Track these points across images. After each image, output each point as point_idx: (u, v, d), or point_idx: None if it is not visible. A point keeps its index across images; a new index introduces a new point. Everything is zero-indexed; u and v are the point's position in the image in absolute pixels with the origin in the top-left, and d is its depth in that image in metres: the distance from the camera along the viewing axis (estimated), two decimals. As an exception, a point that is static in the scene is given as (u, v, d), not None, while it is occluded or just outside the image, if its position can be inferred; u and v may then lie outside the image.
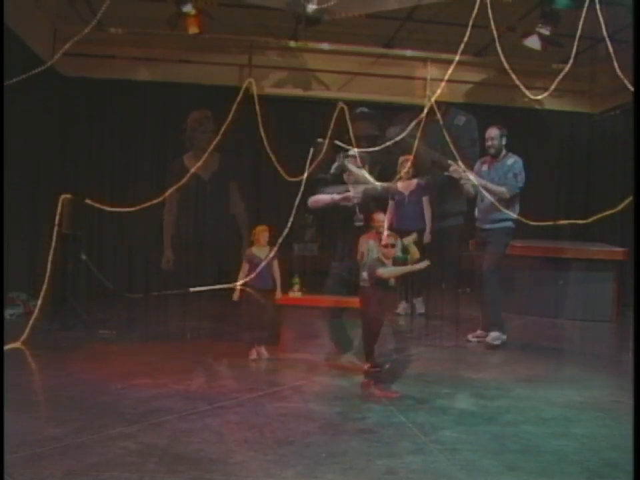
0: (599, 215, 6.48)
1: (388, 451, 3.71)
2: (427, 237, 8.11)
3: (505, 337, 6.82)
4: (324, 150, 6.54)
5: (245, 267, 5.92)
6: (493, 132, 7.05)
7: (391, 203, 8.16)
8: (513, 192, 6.82)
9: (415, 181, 8.23)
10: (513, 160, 6.97)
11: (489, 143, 7.08)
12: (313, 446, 3.73)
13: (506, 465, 3.56)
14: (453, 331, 7.26)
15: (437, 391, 5.04)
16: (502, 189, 6.80)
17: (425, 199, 8.26)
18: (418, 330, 7.88)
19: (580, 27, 5.76)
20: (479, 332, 7.09)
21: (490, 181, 6.93)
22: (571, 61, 5.84)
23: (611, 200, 6.81)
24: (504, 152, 7.05)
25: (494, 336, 6.77)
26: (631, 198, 5.23)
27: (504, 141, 7.05)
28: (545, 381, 5.51)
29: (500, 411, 4.59)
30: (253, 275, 5.89)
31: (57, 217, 6.54)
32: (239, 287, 5.84)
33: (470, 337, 7.07)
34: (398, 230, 5.95)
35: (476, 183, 6.83)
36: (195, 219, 9.22)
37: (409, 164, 7.71)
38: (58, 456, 3.45)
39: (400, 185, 8.16)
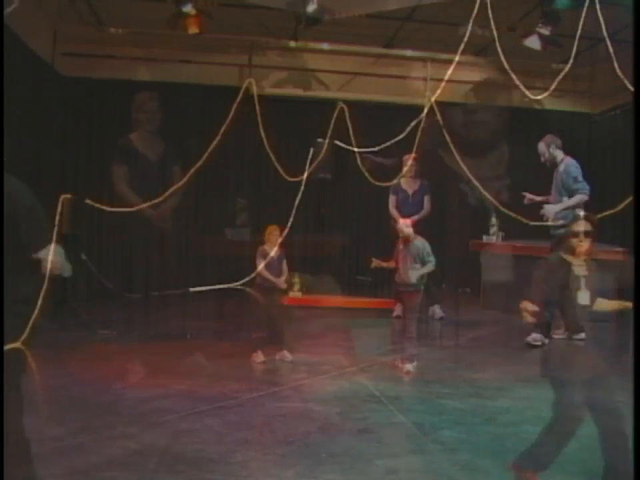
0: (599, 215, 6.47)
1: (388, 451, 3.72)
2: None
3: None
4: (324, 150, 6.55)
5: (260, 261, 5.94)
6: (540, 147, 7.10)
7: (393, 197, 8.23)
8: (587, 190, 6.80)
9: (418, 180, 8.26)
10: (563, 166, 6.97)
11: (542, 159, 7.13)
12: (312, 446, 3.74)
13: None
14: (453, 331, 7.26)
15: (437, 391, 5.04)
16: (580, 197, 6.79)
17: (427, 198, 8.29)
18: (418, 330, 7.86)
19: (580, 27, 5.76)
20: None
21: (554, 187, 6.99)
22: (571, 60, 5.86)
23: (611, 200, 6.82)
24: (560, 157, 7.04)
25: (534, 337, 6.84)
26: (630, 198, 5.24)
27: (554, 151, 7.04)
28: (545, 381, 5.50)
29: (500, 411, 4.59)
30: (253, 274, 5.90)
31: (57, 217, 6.53)
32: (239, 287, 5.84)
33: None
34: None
35: (553, 212, 6.86)
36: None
37: (412, 162, 7.80)
38: (58, 456, 3.45)
39: (403, 183, 8.21)
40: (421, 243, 5.70)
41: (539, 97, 6.64)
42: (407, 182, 8.20)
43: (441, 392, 5.00)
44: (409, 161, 8.04)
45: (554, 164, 7.06)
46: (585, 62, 8.61)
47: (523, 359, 6.43)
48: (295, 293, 8.65)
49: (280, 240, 6.00)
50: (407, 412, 4.43)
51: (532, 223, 7.08)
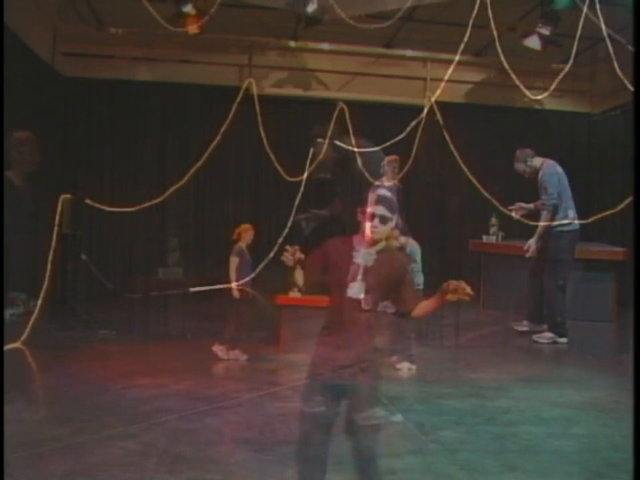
0: (599, 215, 6.48)
1: (388, 451, 3.71)
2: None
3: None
4: (324, 150, 6.55)
5: (235, 260, 5.91)
6: (518, 167, 7.23)
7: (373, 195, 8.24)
8: (550, 205, 6.90)
9: (397, 183, 8.29)
10: (542, 172, 7.08)
11: (525, 177, 7.26)
12: (313, 446, 3.73)
13: (506, 465, 3.56)
14: (452, 331, 7.25)
15: (437, 390, 5.04)
16: (544, 215, 6.93)
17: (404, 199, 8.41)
18: (418, 330, 7.86)
19: (580, 27, 5.76)
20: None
21: (539, 192, 7.08)
22: (571, 61, 5.86)
23: (610, 200, 6.82)
24: (539, 164, 7.14)
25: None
26: (630, 198, 5.24)
27: (532, 162, 7.14)
28: (545, 381, 5.51)
29: (500, 411, 4.59)
30: (253, 275, 5.90)
31: (57, 217, 6.54)
32: (235, 287, 5.83)
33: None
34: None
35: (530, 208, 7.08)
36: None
37: (396, 164, 7.88)
38: (58, 456, 3.44)
39: (385, 182, 8.25)
40: (411, 246, 5.69)
41: (538, 97, 6.65)
42: (388, 183, 8.25)
43: (441, 392, 5.00)
44: (391, 161, 8.12)
45: (535, 174, 7.18)
46: (585, 62, 8.61)
47: (523, 359, 6.44)
48: (295, 293, 8.62)
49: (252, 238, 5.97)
50: (406, 412, 4.43)
51: (532, 223, 7.08)
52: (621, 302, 8.42)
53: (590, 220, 6.71)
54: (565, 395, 5.02)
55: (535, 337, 7.08)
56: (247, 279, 5.91)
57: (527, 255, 7.04)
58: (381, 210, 2.91)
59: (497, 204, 6.86)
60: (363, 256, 2.86)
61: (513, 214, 7.19)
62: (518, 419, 4.39)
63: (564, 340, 7.02)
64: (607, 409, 4.69)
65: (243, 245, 5.95)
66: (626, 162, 7.57)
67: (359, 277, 2.81)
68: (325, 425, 2.84)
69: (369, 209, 2.90)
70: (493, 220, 8.76)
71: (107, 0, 8.74)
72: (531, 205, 7.25)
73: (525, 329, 7.42)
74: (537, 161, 7.18)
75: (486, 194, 6.73)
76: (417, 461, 3.57)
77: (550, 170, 7.07)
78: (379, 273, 2.84)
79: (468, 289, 2.70)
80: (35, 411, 4.31)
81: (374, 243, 2.91)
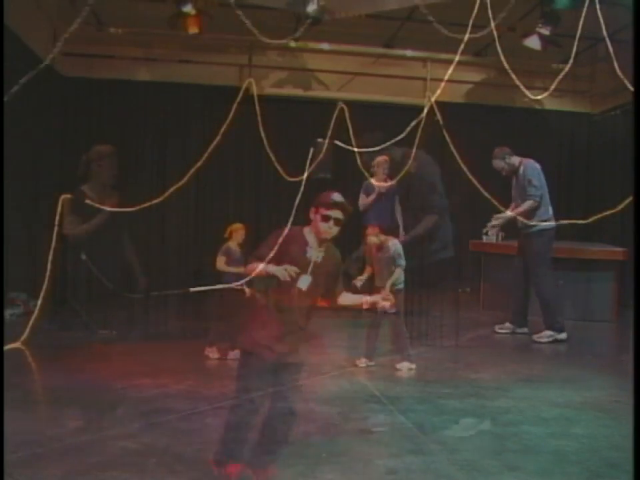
0: (599, 215, 6.48)
1: (388, 451, 3.72)
2: (402, 237, 8.16)
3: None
4: (324, 150, 6.55)
5: (222, 259, 5.90)
6: (496, 164, 7.32)
7: (363, 196, 8.34)
8: (537, 195, 7.04)
9: (389, 183, 8.32)
10: (522, 169, 7.20)
11: (503, 174, 7.36)
12: (312, 446, 3.74)
13: (506, 464, 3.56)
14: (452, 331, 7.25)
15: (437, 391, 5.04)
16: (528, 203, 7.02)
17: (398, 208, 8.53)
18: (418, 330, 7.86)
19: (580, 26, 5.76)
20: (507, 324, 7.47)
21: (517, 191, 7.24)
22: (571, 61, 5.85)
23: (611, 200, 6.81)
24: (517, 163, 7.26)
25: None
26: (630, 198, 5.23)
27: (510, 159, 7.26)
28: (545, 381, 5.51)
29: (500, 411, 4.59)
30: (253, 274, 5.88)
31: (57, 217, 6.53)
32: (239, 287, 5.82)
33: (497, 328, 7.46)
34: (364, 225, 6.37)
35: (507, 216, 7.18)
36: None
37: (386, 165, 8.00)
38: (58, 456, 3.45)
39: (375, 182, 8.31)
40: (392, 244, 5.77)
41: (538, 97, 6.65)
42: (377, 183, 8.28)
43: (441, 392, 5.00)
44: (381, 162, 8.18)
45: (514, 172, 7.30)
46: (585, 62, 8.61)
47: (522, 359, 6.44)
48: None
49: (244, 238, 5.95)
50: (406, 412, 4.43)
51: (532, 223, 7.09)
52: (621, 302, 8.42)
53: (590, 220, 6.70)
54: (565, 395, 5.02)
55: (534, 337, 7.09)
56: (247, 279, 5.90)
57: (490, 225, 7.15)
58: (336, 213, 3.19)
59: (496, 204, 6.85)
60: (314, 252, 3.22)
61: (490, 233, 7.27)
62: (518, 419, 4.39)
63: (563, 335, 7.07)
64: (606, 409, 4.69)
65: (232, 244, 5.95)
66: (626, 162, 7.57)
67: (309, 271, 3.18)
68: None
69: (325, 211, 3.18)
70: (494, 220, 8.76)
71: (107, 0, 8.73)
72: (507, 213, 7.27)
73: (507, 331, 7.44)
74: (515, 160, 7.31)
75: (486, 194, 6.72)
76: (417, 460, 3.57)
77: (531, 166, 7.23)
78: (323, 268, 3.23)
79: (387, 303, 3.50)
80: (35, 410, 4.31)
81: (324, 242, 3.25)
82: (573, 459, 3.68)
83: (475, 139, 9.47)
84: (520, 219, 7.08)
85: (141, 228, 9.22)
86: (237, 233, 5.97)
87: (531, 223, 7.01)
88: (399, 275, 5.68)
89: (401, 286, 5.73)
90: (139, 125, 9.85)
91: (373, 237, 5.76)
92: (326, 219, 3.16)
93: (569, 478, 3.46)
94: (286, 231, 3.26)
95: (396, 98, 10.14)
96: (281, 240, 3.19)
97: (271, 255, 3.16)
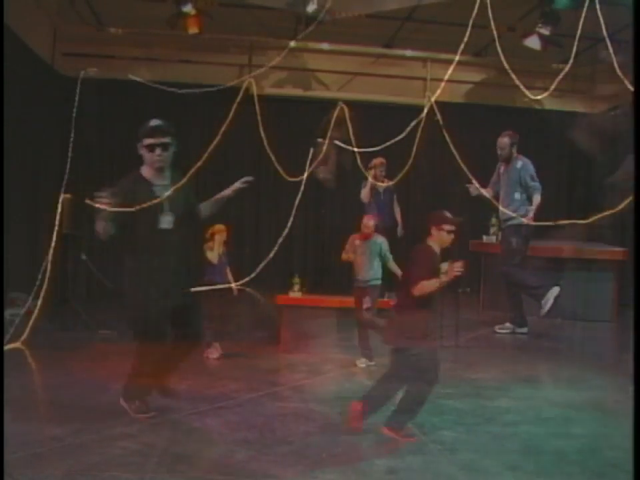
0: (599, 215, 6.47)
1: (388, 451, 3.71)
2: (400, 232, 8.55)
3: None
4: (324, 150, 6.54)
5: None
6: (503, 142, 7.43)
7: (365, 189, 8.40)
8: (539, 188, 7.26)
9: (386, 184, 8.35)
10: (521, 163, 7.33)
11: (499, 152, 7.46)
12: (312, 446, 3.73)
13: (506, 464, 3.56)
14: (452, 331, 7.25)
15: (436, 390, 5.02)
16: (538, 197, 7.23)
17: (397, 209, 8.69)
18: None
19: (580, 27, 5.76)
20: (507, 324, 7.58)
21: (506, 182, 7.36)
22: (571, 61, 5.84)
23: (610, 200, 6.80)
24: (515, 155, 7.41)
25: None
26: (631, 198, 5.23)
27: (514, 148, 7.41)
28: (545, 381, 5.52)
29: (500, 411, 4.59)
30: (253, 274, 5.90)
31: (57, 217, 6.53)
32: (235, 286, 5.83)
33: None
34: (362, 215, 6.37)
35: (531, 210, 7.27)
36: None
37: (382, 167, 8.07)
38: (58, 456, 3.44)
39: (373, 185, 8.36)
40: (381, 240, 5.84)
41: (538, 97, 6.63)
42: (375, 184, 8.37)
43: (441, 392, 4.98)
44: (378, 164, 8.21)
45: (508, 160, 7.41)
46: (585, 62, 8.60)
47: (522, 359, 6.44)
48: (295, 293, 8.63)
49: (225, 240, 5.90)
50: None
51: (532, 223, 7.08)
52: (621, 302, 8.42)
53: (590, 220, 6.70)
54: (565, 395, 5.02)
55: (496, 328, 7.41)
56: (247, 279, 5.90)
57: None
58: (452, 226, 4.03)
59: (496, 204, 6.85)
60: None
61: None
62: (518, 419, 4.39)
63: (524, 330, 7.34)
64: (607, 409, 4.69)
65: (210, 254, 5.86)
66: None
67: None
68: None
69: (448, 227, 4.02)
70: (493, 220, 8.76)
71: (107, 0, 8.74)
72: (530, 210, 7.28)
73: (507, 331, 7.49)
74: (514, 151, 7.45)
75: (486, 194, 6.73)
76: (417, 460, 3.57)
77: (528, 162, 7.40)
78: None
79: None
80: (35, 410, 4.31)
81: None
82: (573, 459, 3.68)
83: (475, 139, 9.48)
84: (504, 210, 7.11)
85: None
86: (220, 235, 5.88)
87: (513, 215, 7.07)
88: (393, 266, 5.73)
89: (378, 282, 5.76)
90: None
91: (369, 222, 5.81)
92: (450, 232, 3.98)
93: (569, 478, 3.46)
94: (424, 247, 4.00)
95: (396, 98, 10.15)
96: (427, 257, 3.95)
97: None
